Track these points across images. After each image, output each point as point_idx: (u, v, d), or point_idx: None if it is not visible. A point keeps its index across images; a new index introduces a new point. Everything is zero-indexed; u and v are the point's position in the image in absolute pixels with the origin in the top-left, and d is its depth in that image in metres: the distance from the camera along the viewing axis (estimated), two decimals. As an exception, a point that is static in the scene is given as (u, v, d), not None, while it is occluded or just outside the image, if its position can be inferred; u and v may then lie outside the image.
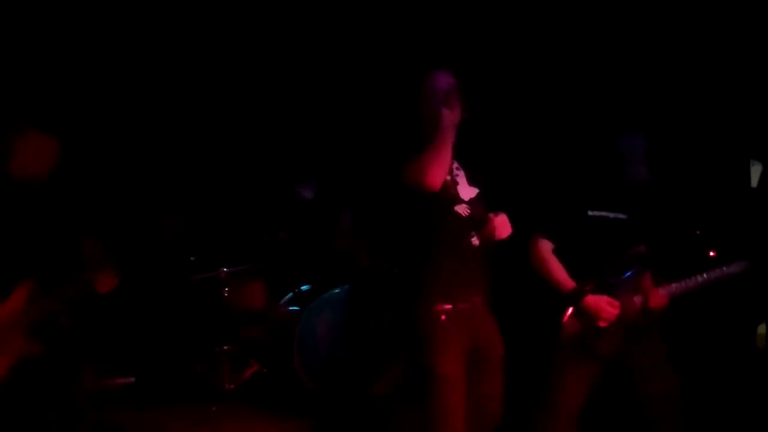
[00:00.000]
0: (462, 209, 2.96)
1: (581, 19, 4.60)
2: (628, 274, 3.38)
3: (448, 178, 2.93)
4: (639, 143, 3.43)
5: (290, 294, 5.03)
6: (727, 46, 4.32)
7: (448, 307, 2.89)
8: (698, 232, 3.77)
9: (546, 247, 3.39)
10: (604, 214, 3.40)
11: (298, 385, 4.64)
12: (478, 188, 3.07)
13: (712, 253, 3.85)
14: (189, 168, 5.43)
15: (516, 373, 3.18)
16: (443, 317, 2.89)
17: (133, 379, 4.86)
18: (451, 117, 2.86)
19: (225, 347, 4.78)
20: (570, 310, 3.36)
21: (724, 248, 3.79)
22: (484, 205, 3.05)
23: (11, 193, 3.24)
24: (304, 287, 5.00)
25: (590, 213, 3.39)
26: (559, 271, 3.36)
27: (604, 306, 3.28)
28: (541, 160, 4.73)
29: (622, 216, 3.40)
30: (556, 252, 3.40)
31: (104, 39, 4.95)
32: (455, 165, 3.01)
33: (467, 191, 3.01)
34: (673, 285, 3.35)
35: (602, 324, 3.29)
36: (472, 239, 2.96)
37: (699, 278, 3.36)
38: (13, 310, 3.11)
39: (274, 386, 4.80)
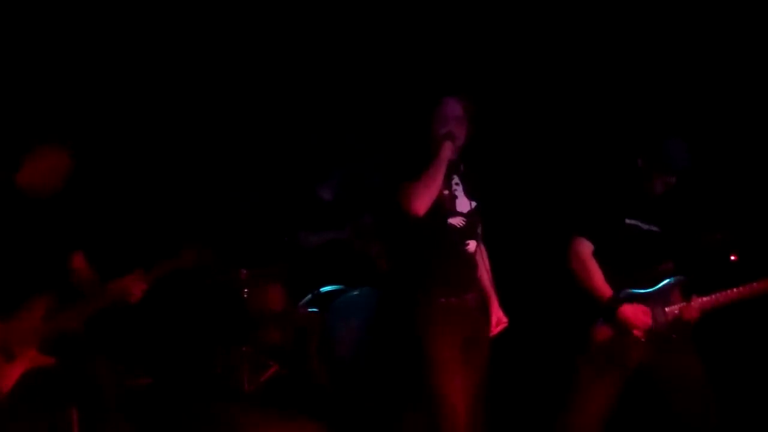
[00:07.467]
0: (457, 221, 3.13)
1: (622, 33, 4.78)
2: (661, 285, 3.38)
3: (446, 192, 3.11)
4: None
5: (309, 296, 5.03)
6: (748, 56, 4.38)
7: (443, 300, 3.07)
8: (719, 236, 3.76)
9: (587, 249, 3.37)
10: (637, 223, 3.40)
11: (317, 387, 4.65)
12: (477, 201, 3.23)
13: (733, 257, 3.85)
14: (209, 169, 5.45)
15: (539, 379, 3.17)
16: (438, 306, 3.07)
17: (150, 380, 4.86)
18: (449, 150, 3.07)
19: (244, 348, 4.80)
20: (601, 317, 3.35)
21: (746, 252, 3.79)
22: (480, 216, 3.24)
23: (21, 205, 3.20)
24: (323, 289, 5.01)
25: (627, 221, 3.39)
26: (598, 277, 3.34)
27: (640, 316, 3.28)
28: (584, 165, 4.81)
29: (655, 228, 3.40)
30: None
31: (115, 53, 4.97)
32: (455, 180, 3.19)
33: (465, 204, 3.17)
34: (705, 298, 3.34)
35: (636, 333, 3.29)
36: (467, 246, 3.16)
37: (731, 293, 3.33)
38: (28, 322, 3.07)
39: (293, 388, 4.80)
